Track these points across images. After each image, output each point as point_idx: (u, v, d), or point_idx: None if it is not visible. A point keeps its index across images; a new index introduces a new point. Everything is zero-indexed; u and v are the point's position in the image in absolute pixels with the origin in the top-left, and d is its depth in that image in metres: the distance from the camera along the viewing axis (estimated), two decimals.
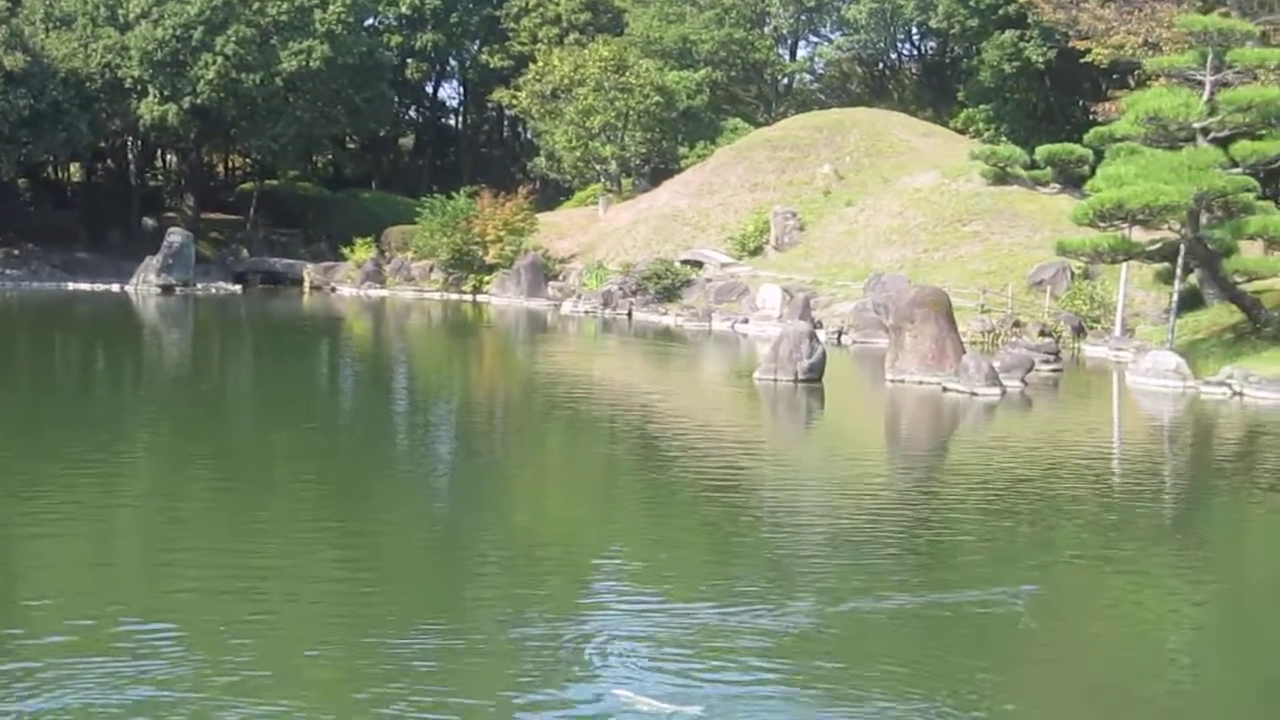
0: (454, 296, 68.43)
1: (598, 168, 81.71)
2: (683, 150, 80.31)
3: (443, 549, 17.89)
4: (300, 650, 13.17)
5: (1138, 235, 42.31)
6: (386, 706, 11.71)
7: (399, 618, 14.09)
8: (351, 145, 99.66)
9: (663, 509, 20.94)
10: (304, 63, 74.91)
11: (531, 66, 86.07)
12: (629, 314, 59.83)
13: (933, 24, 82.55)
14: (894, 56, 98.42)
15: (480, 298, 67.72)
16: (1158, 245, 41.73)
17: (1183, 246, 40.11)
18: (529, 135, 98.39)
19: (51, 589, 14.88)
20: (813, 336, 36.56)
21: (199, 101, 73.05)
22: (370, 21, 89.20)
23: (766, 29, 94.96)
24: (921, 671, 13.21)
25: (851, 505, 21.02)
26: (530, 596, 15.28)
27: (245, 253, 77.06)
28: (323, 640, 13.55)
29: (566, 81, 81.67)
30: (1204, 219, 40.70)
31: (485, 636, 13.77)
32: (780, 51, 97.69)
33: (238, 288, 70.14)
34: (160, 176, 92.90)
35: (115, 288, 65.95)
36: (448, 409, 33.15)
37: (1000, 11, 73.76)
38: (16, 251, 71.25)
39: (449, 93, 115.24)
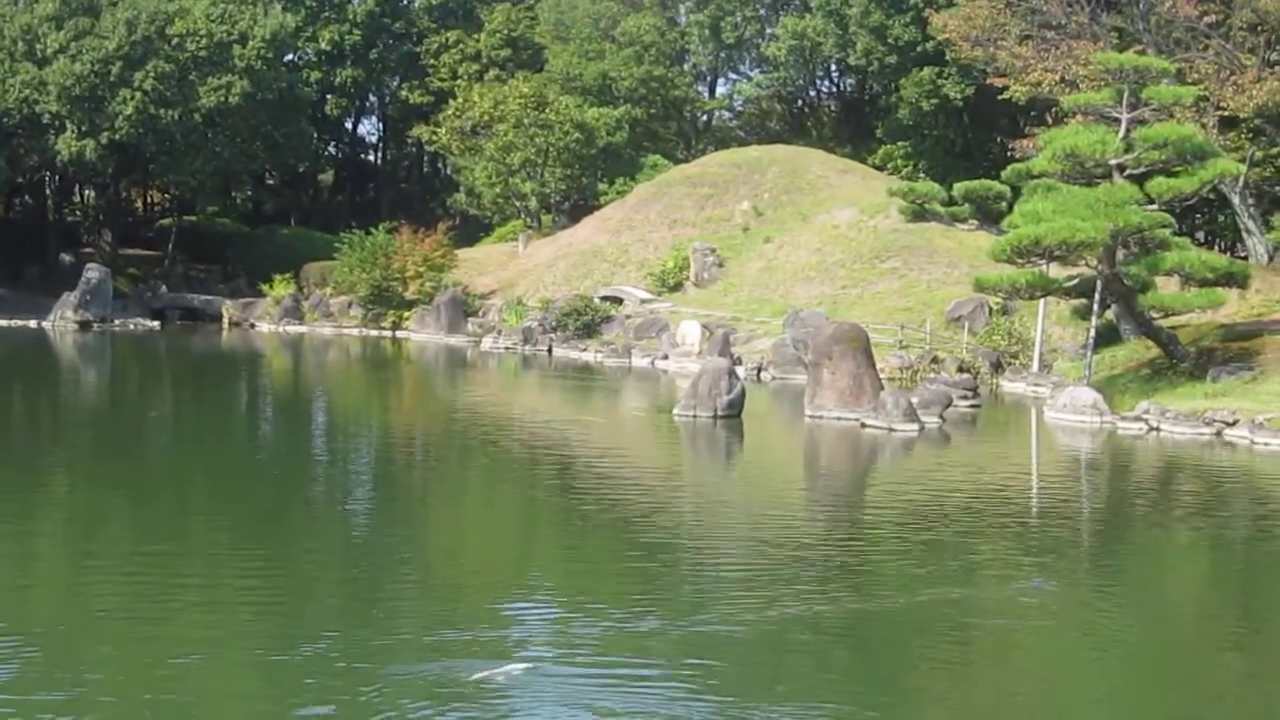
0: (373, 332, 68.17)
1: (517, 204, 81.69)
2: (602, 187, 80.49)
3: (359, 573, 17.89)
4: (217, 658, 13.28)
5: (1055, 271, 42.63)
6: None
7: (309, 631, 14.60)
8: (271, 181, 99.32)
9: (581, 537, 21.04)
10: (223, 98, 74.63)
11: (451, 103, 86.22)
12: (549, 350, 59.77)
13: (851, 61, 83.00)
14: (813, 93, 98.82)
15: (400, 334, 67.47)
16: (1075, 281, 42.06)
17: (1099, 282, 40.44)
18: (449, 171, 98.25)
19: None
20: (732, 373, 36.60)
21: (117, 137, 72.52)
22: (290, 57, 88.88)
23: (686, 66, 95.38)
24: (798, 680, 13.60)
25: (767, 535, 20.98)
26: (443, 614, 15.69)
27: (164, 289, 76.18)
28: (235, 650, 13.78)
29: (486, 118, 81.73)
30: (1120, 255, 41.05)
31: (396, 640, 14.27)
32: (700, 88, 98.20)
33: (156, 324, 69.21)
34: (78, 212, 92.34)
35: (33, 324, 65.14)
36: (368, 443, 32.98)
37: (918, 49, 74.35)
38: None
39: (368, 129, 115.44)
